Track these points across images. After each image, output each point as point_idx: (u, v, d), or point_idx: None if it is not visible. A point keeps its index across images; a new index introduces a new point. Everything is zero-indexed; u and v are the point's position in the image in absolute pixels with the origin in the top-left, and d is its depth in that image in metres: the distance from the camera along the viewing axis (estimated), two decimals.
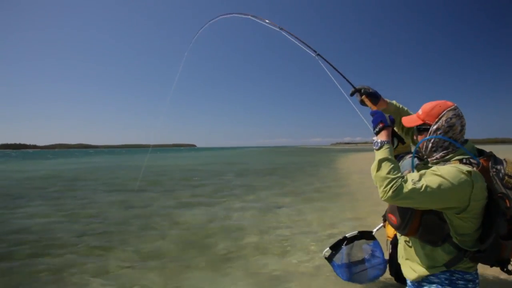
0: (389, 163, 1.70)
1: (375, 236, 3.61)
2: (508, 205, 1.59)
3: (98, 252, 5.92)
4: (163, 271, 5.01)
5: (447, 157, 1.77)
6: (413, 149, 2.00)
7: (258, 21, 3.15)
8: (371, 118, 1.94)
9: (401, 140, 2.01)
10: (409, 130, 2.26)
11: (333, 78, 2.46)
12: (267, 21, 3.10)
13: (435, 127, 1.78)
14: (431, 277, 1.78)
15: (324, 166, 29.52)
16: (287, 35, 2.84)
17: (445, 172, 1.62)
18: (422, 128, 1.86)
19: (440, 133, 1.76)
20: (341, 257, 3.45)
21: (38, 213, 9.38)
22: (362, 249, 3.56)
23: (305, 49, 2.68)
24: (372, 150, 1.86)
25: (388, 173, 1.66)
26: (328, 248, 3.45)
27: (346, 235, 3.51)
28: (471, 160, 1.68)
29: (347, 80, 2.38)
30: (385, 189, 1.64)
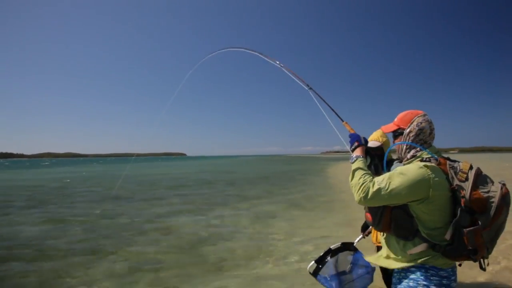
0: (361, 172, 1.97)
1: (357, 247, 3.56)
2: (463, 194, 1.75)
3: (88, 262, 5.89)
4: (155, 279, 5.01)
5: (415, 156, 1.99)
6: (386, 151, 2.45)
7: (264, 58, 3.46)
8: (349, 139, 2.31)
9: (373, 159, 2.45)
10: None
11: (322, 111, 2.74)
12: (269, 58, 3.42)
13: (407, 130, 2.03)
14: (407, 272, 1.94)
15: (315, 174, 29.72)
16: (285, 71, 3.15)
17: (405, 169, 1.86)
18: (398, 133, 2.12)
19: (412, 135, 2.00)
20: (329, 269, 3.36)
21: (28, 221, 9.29)
22: (347, 260, 3.47)
23: (300, 83, 2.97)
24: None
25: (359, 179, 1.92)
26: (313, 262, 3.32)
27: (331, 247, 3.44)
28: (431, 158, 1.90)
29: (335, 113, 2.69)
30: (357, 193, 1.89)
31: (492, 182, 1.84)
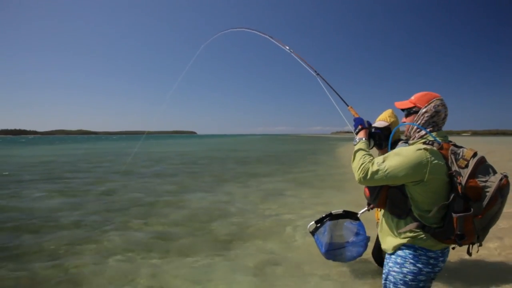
0: (362, 153, 2.07)
1: (360, 218, 3.68)
2: (459, 181, 1.79)
3: (99, 234, 5.92)
4: (166, 255, 5.01)
5: (422, 137, 2.01)
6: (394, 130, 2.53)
7: (274, 41, 3.47)
8: (353, 123, 2.45)
9: (377, 144, 2.53)
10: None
11: (329, 96, 2.82)
12: (279, 43, 3.45)
13: (423, 110, 2.03)
14: (398, 250, 2.04)
15: (325, 154, 29.59)
16: (294, 56, 3.19)
17: (405, 150, 1.90)
18: (412, 111, 2.10)
19: (427, 116, 2.01)
20: (324, 230, 3.56)
21: (43, 196, 9.40)
22: (345, 227, 3.65)
23: (308, 68, 3.03)
24: None
25: (359, 160, 2.02)
26: (313, 222, 3.59)
27: (332, 212, 3.61)
28: (434, 142, 1.93)
29: (341, 98, 2.80)
30: (357, 173, 1.99)
31: (494, 173, 1.84)
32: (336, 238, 3.59)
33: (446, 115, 2.05)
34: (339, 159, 23.40)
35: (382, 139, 2.63)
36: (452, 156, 1.86)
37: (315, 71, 2.99)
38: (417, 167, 1.83)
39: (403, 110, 2.19)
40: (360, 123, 2.37)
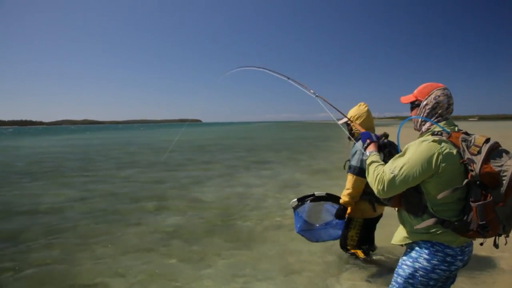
0: (374, 165, 2.03)
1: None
2: (473, 168, 1.72)
3: (112, 231, 5.56)
4: (184, 254, 4.63)
5: (429, 129, 1.97)
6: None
7: (272, 73, 3.45)
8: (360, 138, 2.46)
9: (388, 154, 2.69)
10: None
11: (331, 115, 2.87)
12: (277, 73, 3.43)
13: (424, 102, 2.02)
14: (413, 244, 1.97)
15: (336, 141, 29.04)
16: (292, 82, 3.22)
17: (413, 149, 1.85)
18: (415, 105, 2.09)
19: (428, 108, 1.99)
20: (303, 210, 3.77)
21: (50, 191, 9.10)
22: (326, 209, 3.82)
23: (306, 92, 3.05)
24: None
25: (373, 173, 1.98)
26: (295, 199, 3.80)
27: (315, 193, 3.81)
28: (442, 132, 1.89)
29: (343, 115, 3.21)
30: (375, 187, 1.93)
31: (510, 157, 1.75)
32: (314, 218, 3.80)
33: (449, 105, 2.00)
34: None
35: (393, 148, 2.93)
36: (463, 144, 1.80)
37: (314, 93, 3.00)
38: (430, 160, 1.77)
39: (409, 104, 2.17)
40: (368, 137, 2.34)
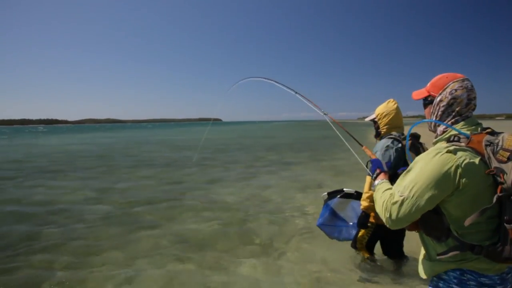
0: (381, 190, 1.71)
1: None
2: (503, 179, 1.37)
3: (124, 234, 5.38)
4: (201, 261, 4.38)
5: (445, 132, 1.64)
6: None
7: (281, 86, 3.41)
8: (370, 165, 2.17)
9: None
10: None
11: (340, 136, 2.81)
12: (285, 87, 3.39)
13: (438, 98, 1.67)
14: (441, 274, 1.59)
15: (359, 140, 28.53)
16: (301, 98, 3.15)
17: (422, 160, 1.53)
18: (428, 101, 1.74)
19: (443, 106, 1.64)
20: (332, 203, 3.71)
21: (70, 186, 9.03)
22: (352, 208, 3.69)
23: (316, 109, 3.00)
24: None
25: (380, 199, 1.66)
26: (326, 193, 3.74)
27: (344, 189, 3.72)
28: (460, 136, 1.54)
29: (354, 138, 2.82)
30: (384, 216, 1.60)
31: None
32: (339, 215, 3.69)
33: (470, 100, 1.61)
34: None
35: None
36: (488, 149, 1.44)
37: (323, 112, 2.98)
38: (446, 177, 1.43)
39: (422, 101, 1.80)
40: (378, 166, 2.02)
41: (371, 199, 3.21)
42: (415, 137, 3.14)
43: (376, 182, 1.89)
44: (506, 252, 1.40)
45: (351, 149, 2.75)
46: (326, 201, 3.72)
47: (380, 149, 3.20)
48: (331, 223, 3.69)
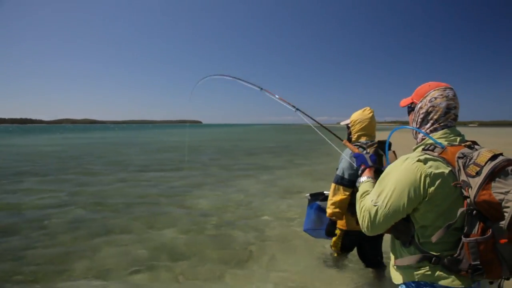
0: (362, 195, 1.72)
1: None
2: (467, 194, 1.36)
3: (94, 244, 5.00)
4: (173, 270, 4.13)
5: (423, 141, 1.64)
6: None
7: (246, 84, 3.26)
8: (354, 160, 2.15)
9: None
10: None
11: (315, 129, 2.84)
12: (251, 84, 3.24)
13: (419, 106, 1.69)
14: (403, 285, 1.62)
15: (336, 144, 28.75)
16: (268, 94, 3.05)
17: (393, 168, 1.55)
18: (410, 108, 1.77)
19: (422, 113, 1.65)
20: (314, 205, 3.71)
21: (33, 194, 8.56)
22: None
23: (286, 105, 2.92)
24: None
25: (359, 205, 1.66)
26: (309, 194, 3.78)
27: (324, 192, 3.71)
28: (436, 145, 1.54)
29: (332, 133, 2.76)
30: (361, 223, 1.62)
31: None
32: (323, 218, 3.59)
33: (450, 109, 1.60)
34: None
35: None
36: (460, 161, 1.42)
37: (294, 107, 2.87)
38: (414, 185, 1.44)
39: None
40: (363, 162, 1.99)
41: (335, 205, 3.18)
42: (383, 143, 3.11)
43: (362, 179, 1.91)
44: (460, 265, 1.41)
45: (325, 138, 2.75)
46: (310, 202, 3.75)
47: (348, 155, 3.18)
48: (317, 227, 3.71)
